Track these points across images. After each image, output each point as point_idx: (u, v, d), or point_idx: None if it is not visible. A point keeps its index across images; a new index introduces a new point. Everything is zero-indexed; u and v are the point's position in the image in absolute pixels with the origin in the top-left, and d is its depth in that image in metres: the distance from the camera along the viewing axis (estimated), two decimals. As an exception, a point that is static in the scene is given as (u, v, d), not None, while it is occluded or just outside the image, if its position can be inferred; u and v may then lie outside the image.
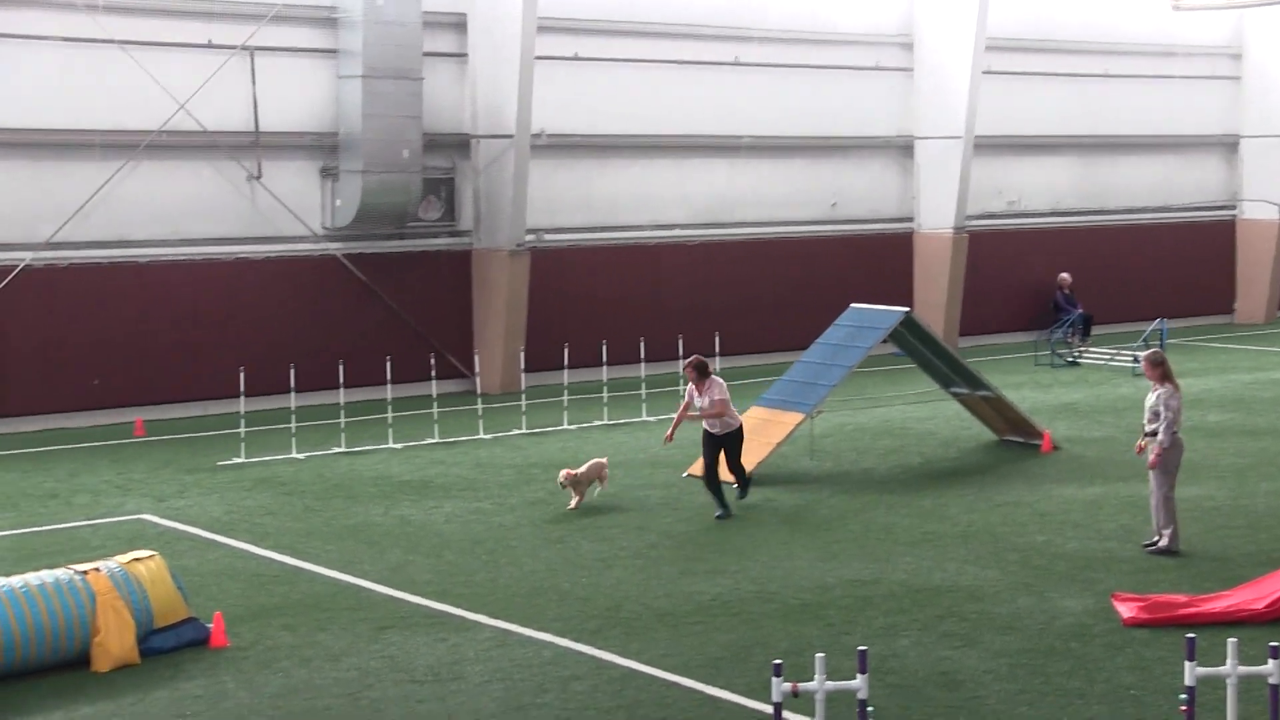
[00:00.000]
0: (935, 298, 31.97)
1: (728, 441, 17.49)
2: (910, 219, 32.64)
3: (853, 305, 21.63)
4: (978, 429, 22.03)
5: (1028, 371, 28.93)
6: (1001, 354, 31.26)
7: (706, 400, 17.42)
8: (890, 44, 32.09)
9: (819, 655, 9.10)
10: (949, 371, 21.53)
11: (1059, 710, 11.12)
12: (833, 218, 31.74)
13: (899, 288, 31.41)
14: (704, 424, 17.55)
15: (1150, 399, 15.56)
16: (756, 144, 30.49)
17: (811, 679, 9.13)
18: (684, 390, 18.22)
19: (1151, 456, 15.40)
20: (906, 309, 21.05)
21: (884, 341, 21.14)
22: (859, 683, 8.97)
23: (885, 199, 32.48)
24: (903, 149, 32.48)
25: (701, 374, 17.45)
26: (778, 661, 9.26)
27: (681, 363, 24.83)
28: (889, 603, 13.89)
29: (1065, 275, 33.44)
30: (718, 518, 17.29)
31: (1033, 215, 34.41)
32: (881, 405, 25.07)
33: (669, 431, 17.98)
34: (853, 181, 32.00)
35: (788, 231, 31.05)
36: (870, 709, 8.99)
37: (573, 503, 17.85)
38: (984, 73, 31.84)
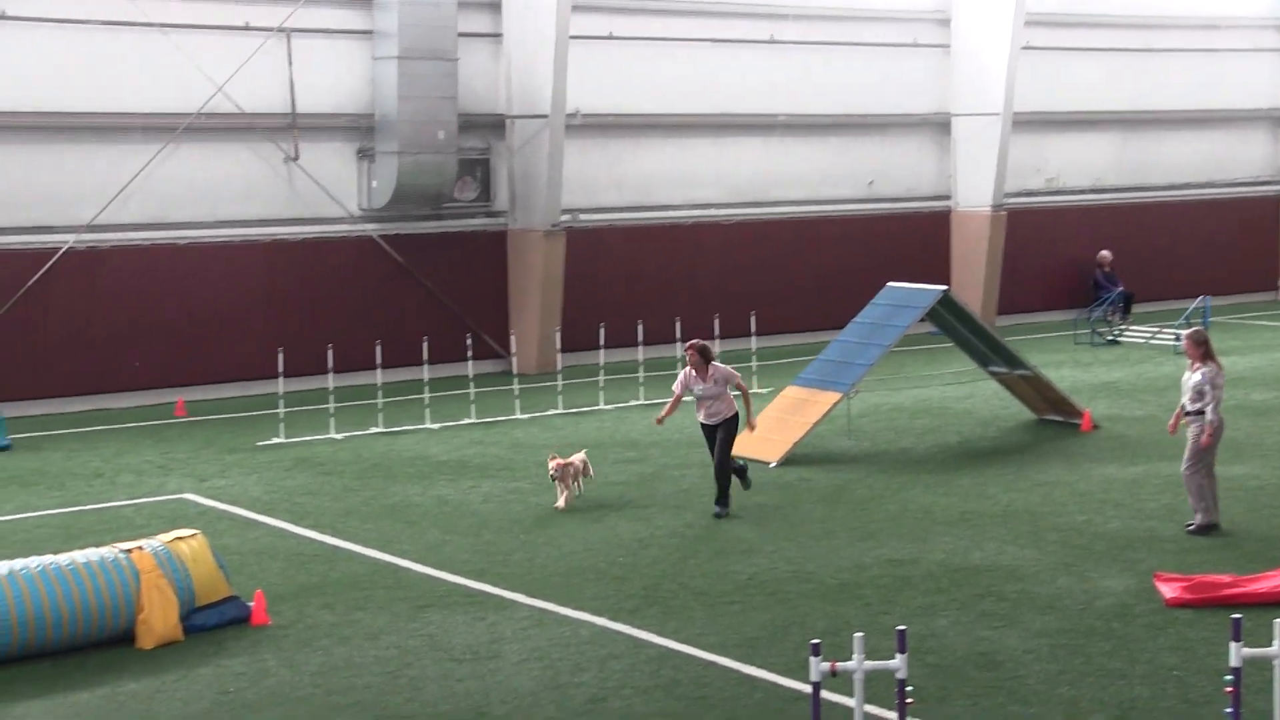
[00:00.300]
0: (973, 276, 31.86)
1: (727, 428, 16.63)
2: (947, 197, 32.53)
3: (890, 284, 21.57)
4: (1016, 408, 21.98)
5: (1067, 350, 28.83)
6: (1040, 333, 31.14)
7: (711, 385, 16.47)
8: (927, 20, 31.95)
9: (857, 635, 9.12)
10: (987, 350, 21.48)
11: (1100, 691, 11.11)
12: (869, 196, 31.66)
13: (936, 266, 31.33)
14: (700, 416, 16.69)
15: (1192, 378, 15.45)
16: (792, 122, 30.42)
17: (849, 658, 9.15)
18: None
19: (1204, 437, 15.27)
20: (944, 287, 21.01)
21: (921, 320, 21.12)
22: (898, 662, 8.98)
23: (922, 177, 32.37)
24: (940, 126, 32.35)
25: (705, 358, 16.52)
26: (816, 641, 9.27)
27: (717, 343, 24.99)
28: (927, 582, 13.89)
29: (1105, 253, 33.26)
30: (716, 516, 16.47)
31: (1072, 192, 34.23)
32: (919, 384, 25.03)
33: (661, 415, 17.04)
34: (890, 160, 31.89)
35: (824, 210, 30.98)
36: (909, 689, 9.00)
37: (561, 500, 16.94)
38: (1023, 48, 31.66)
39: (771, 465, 18.89)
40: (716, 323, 25.31)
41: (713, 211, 29.70)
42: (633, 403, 23.55)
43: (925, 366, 26.67)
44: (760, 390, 23.93)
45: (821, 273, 30.41)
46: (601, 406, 23.30)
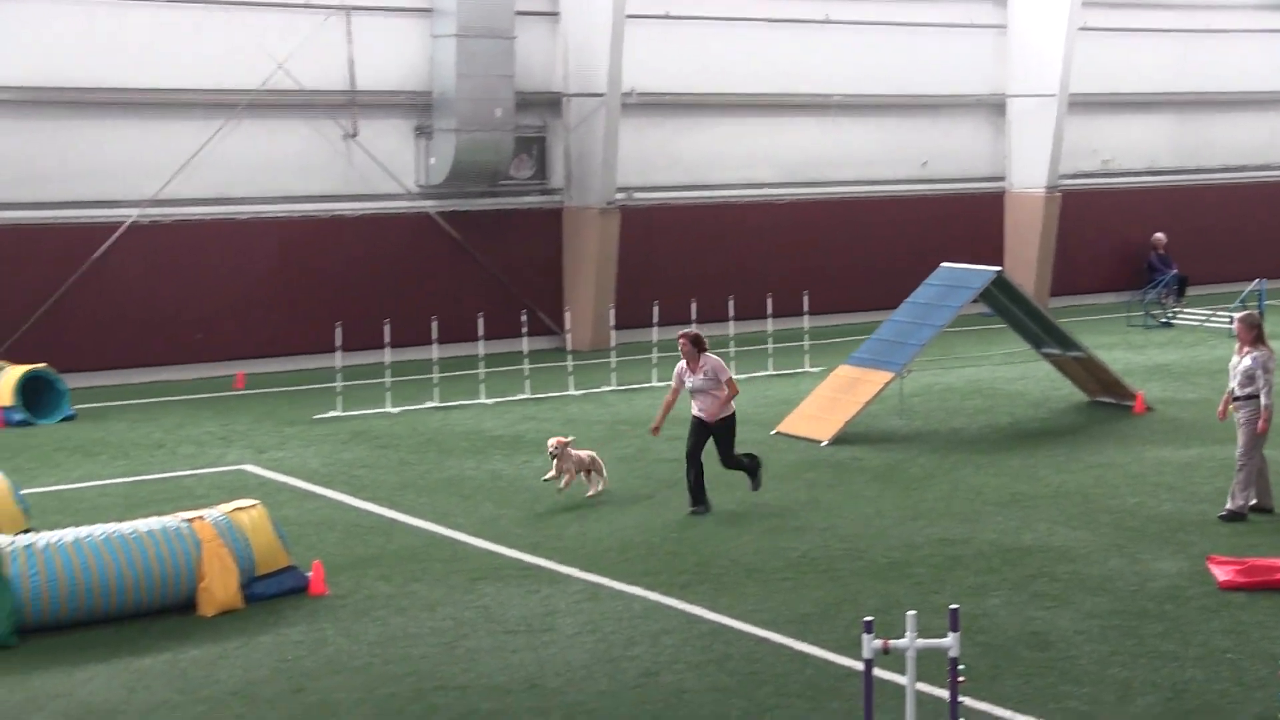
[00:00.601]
0: (1027, 257, 31.64)
1: (719, 430, 15.68)
2: (1002, 178, 32.31)
3: (943, 264, 21.45)
4: (1069, 390, 21.85)
5: (1120, 332, 28.61)
6: (1094, 315, 30.92)
7: (701, 378, 15.55)
8: (984, 0, 31.69)
9: (910, 613, 9.10)
10: (1040, 331, 21.36)
11: (1152, 672, 11.06)
12: (923, 177, 31.48)
13: (990, 247, 31.12)
14: (693, 409, 15.74)
15: (1242, 362, 15.24)
16: (847, 103, 30.27)
17: (901, 636, 9.13)
18: (681, 366, 15.82)
19: (1261, 423, 15.06)
20: (998, 268, 20.88)
21: (975, 301, 20.97)
22: (950, 641, 8.95)
23: (977, 158, 32.15)
24: (995, 108, 32.12)
25: (698, 347, 15.58)
26: (869, 618, 9.26)
27: (770, 322, 24.96)
28: (978, 562, 13.85)
29: (1160, 235, 32.94)
30: (691, 513, 15.60)
31: (1127, 175, 33.93)
32: (971, 365, 24.91)
33: (655, 424, 16.14)
34: (944, 140, 31.68)
35: (878, 191, 30.83)
36: (962, 667, 8.99)
37: (563, 481, 16.06)
38: (1080, 29, 31.37)
39: (823, 444, 18.86)
40: (769, 301, 25.23)
41: (766, 191, 29.62)
42: (686, 380, 23.52)
43: (978, 347, 26.54)
44: (812, 369, 23.92)
45: (874, 253, 30.27)
46: (654, 384, 23.29)
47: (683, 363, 15.72)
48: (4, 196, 22.94)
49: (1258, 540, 14.47)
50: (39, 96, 23.13)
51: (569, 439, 16.46)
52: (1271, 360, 15.20)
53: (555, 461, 16.18)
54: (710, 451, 15.88)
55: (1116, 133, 33.76)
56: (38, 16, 23.06)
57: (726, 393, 15.61)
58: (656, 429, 16.24)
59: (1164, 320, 29.79)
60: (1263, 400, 15.06)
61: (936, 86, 31.26)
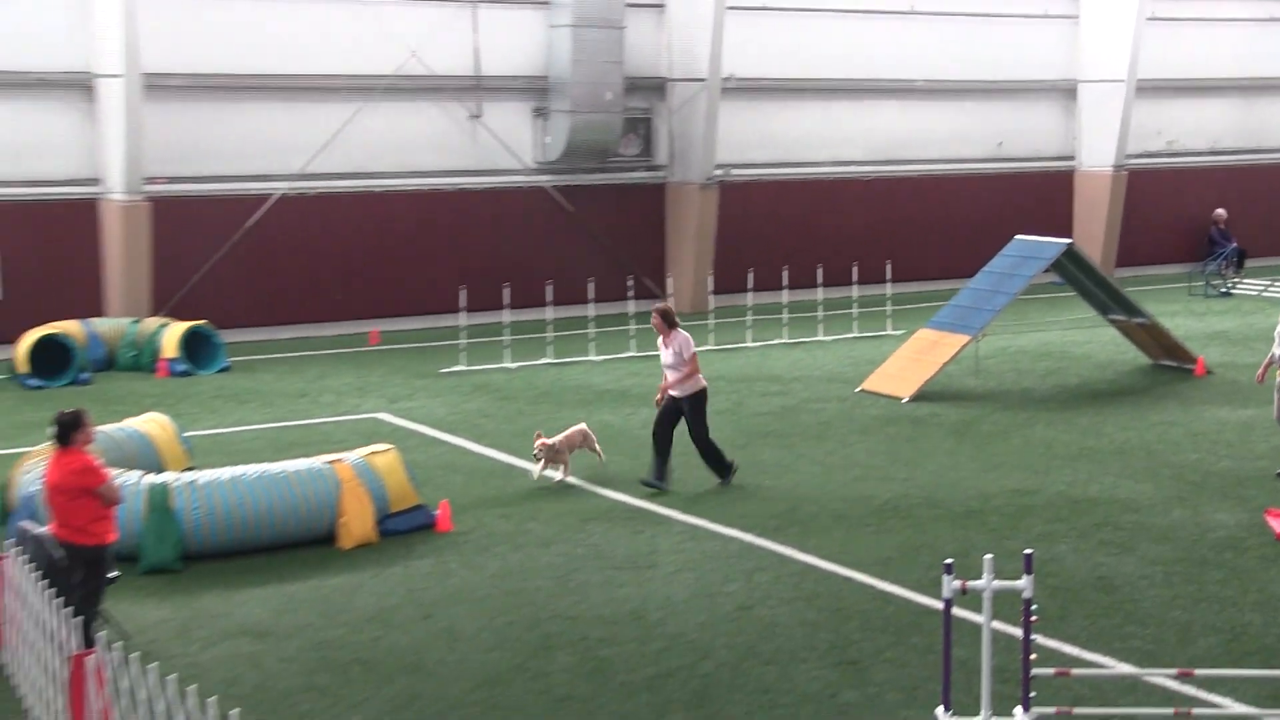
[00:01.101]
0: (1094, 231, 31.06)
1: (689, 405, 14.49)
2: (1072, 158, 31.69)
3: (1017, 237, 21.11)
4: (1133, 353, 21.44)
5: (1182, 301, 28.02)
6: (1157, 284, 30.28)
7: (670, 353, 14.45)
8: (1057, -7, 31.10)
9: (987, 556, 8.97)
10: (1107, 299, 20.95)
11: (1212, 615, 10.84)
12: (998, 156, 30.97)
13: (1060, 221, 30.56)
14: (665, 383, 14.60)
15: None
16: (928, 87, 29.83)
17: (978, 578, 9.00)
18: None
19: None
20: (1069, 240, 20.49)
21: (1046, 271, 20.62)
22: (1024, 583, 8.81)
23: (1048, 139, 31.56)
24: (1066, 92, 31.49)
25: (668, 323, 14.48)
26: (948, 561, 9.15)
27: (855, 288, 24.72)
28: (1048, 511, 13.64)
29: (1220, 211, 32.19)
30: (642, 482, 14.44)
31: (1190, 154, 33.13)
32: (1042, 329, 24.52)
33: (660, 395, 14.80)
34: (1018, 122, 31.13)
35: (956, 169, 30.39)
36: (1034, 607, 8.84)
37: (559, 473, 14.70)
38: (1148, 19, 30.66)
39: (904, 400, 18.66)
40: (855, 269, 25.00)
41: (853, 168, 29.29)
42: (776, 341, 23.39)
43: (1048, 313, 26.11)
44: (894, 332, 23.66)
45: (953, 226, 29.87)
46: (749, 344, 23.18)
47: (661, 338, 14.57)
48: (171, 171, 23.21)
49: (1311, 495, 14.13)
50: (202, 82, 23.36)
51: (553, 440, 14.78)
52: None
53: (542, 461, 14.73)
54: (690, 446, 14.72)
55: (1181, 115, 32.96)
56: (200, 12, 23.26)
57: (688, 368, 14.39)
58: (660, 400, 14.80)
59: (1223, 290, 29.12)
60: None
61: (1012, 73, 30.70)
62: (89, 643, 9.48)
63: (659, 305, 14.86)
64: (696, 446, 14.64)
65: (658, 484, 14.46)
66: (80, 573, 9.92)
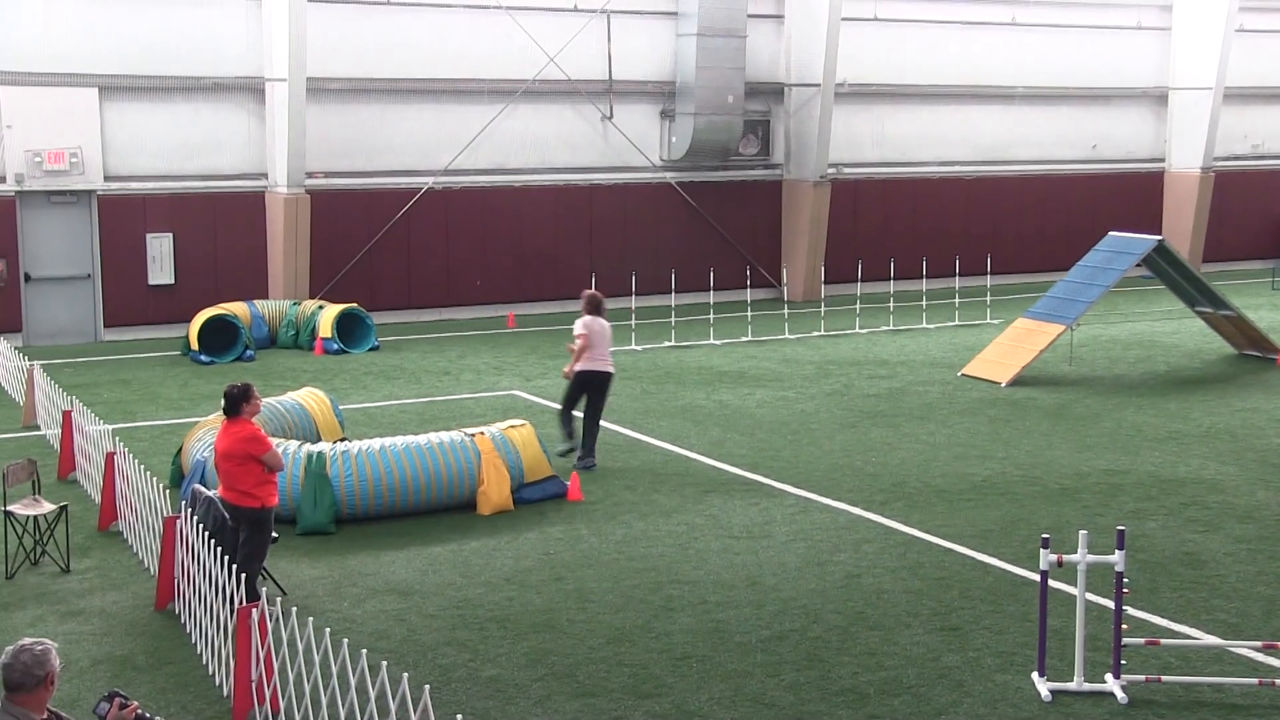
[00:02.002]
0: (1183, 228, 30.19)
1: (590, 382, 14.16)
2: (1162, 159, 30.83)
3: (1111, 233, 20.57)
4: (1219, 343, 20.79)
5: (1266, 295, 27.12)
6: (1242, 279, 29.39)
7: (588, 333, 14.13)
8: (1150, 6, 30.19)
9: (1082, 532, 8.71)
10: (1195, 292, 20.32)
11: (1297, 593, 10.44)
12: (1093, 158, 30.23)
13: (1150, 219, 29.82)
14: (581, 365, 14.17)
15: None
16: (1029, 93, 29.18)
17: (1073, 552, 8.75)
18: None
19: None
20: (1159, 237, 19.91)
21: (1137, 265, 20.05)
22: (1116, 558, 8.55)
23: (1140, 142, 30.73)
24: (1158, 99, 30.62)
25: (590, 310, 14.28)
26: (1045, 535, 8.90)
27: (956, 279, 24.29)
28: (1138, 490, 13.24)
29: (1304, 210, 31.17)
30: (559, 453, 14.12)
31: (1275, 157, 32.04)
32: (1133, 320, 23.88)
33: (567, 370, 14.42)
34: (1112, 126, 30.36)
35: (1054, 169, 29.72)
36: (1125, 580, 8.55)
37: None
38: (1236, 30, 29.69)
39: (1003, 385, 18.28)
40: (957, 262, 24.58)
41: (958, 168, 28.78)
42: (884, 328, 23.07)
43: (1139, 305, 25.43)
44: (993, 321, 23.22)
45: (1050, 222, 29.25)
46: (857, 330, 22.88)
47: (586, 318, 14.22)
48: (330, 166, 23.50)
49: (1396, 481, 13.55)
50: (359, 86, 23.60)
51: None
52: None
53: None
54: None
55: (1266, 121, 31.89)
56: (358, 23, 23.49)
57: (574, 345, 14.14)
58: (568, 373, 14.36)
59: (1308, 285, 28.17)
60: None
61: (1107, 80, 29.95)
62: (253, 597, 9.61)
63: (589, 291, 14.69)
64: (585, 422, 14.27)
65: (570, 450, 14.27)
66: (245, 532, 10.04)
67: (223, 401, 10.25)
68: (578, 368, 14.20)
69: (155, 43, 22.14)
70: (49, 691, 5.42)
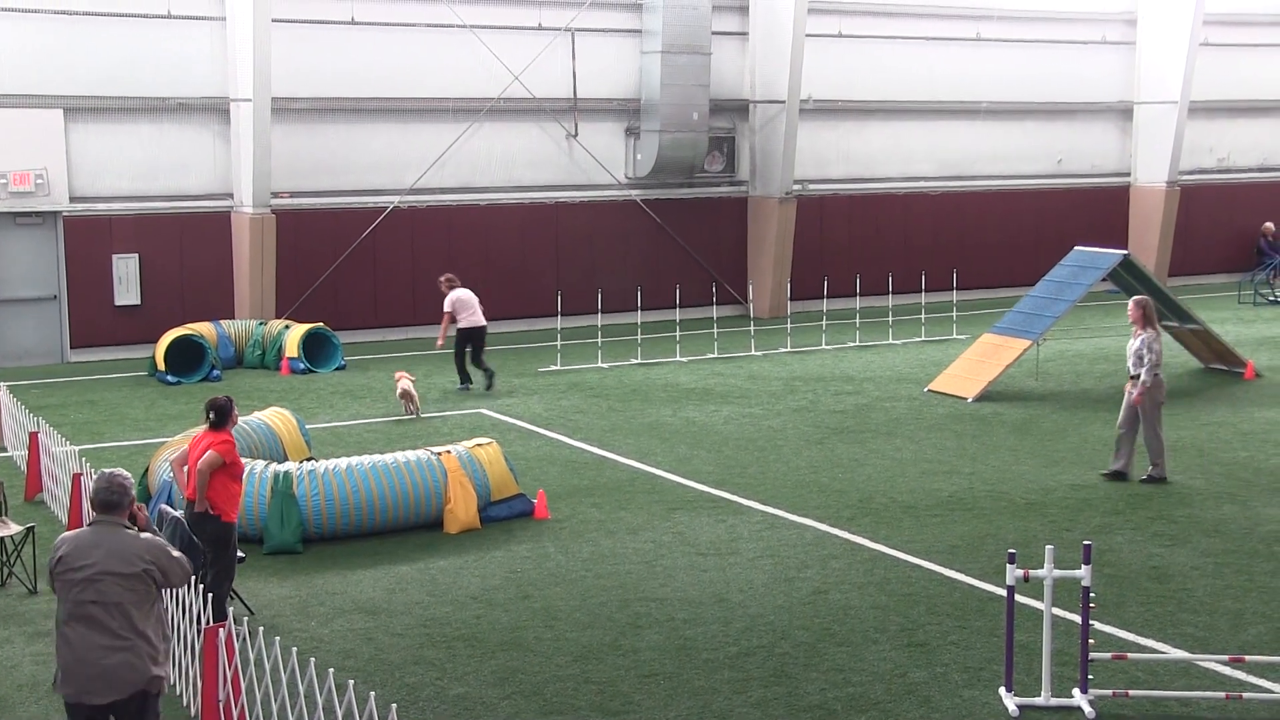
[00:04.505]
0: (1149, 242, 30.49)
1: (471, 336, 19.31)
2: (1127, 174, 31.14)
3: (1076, 247, 20.78)
4: (1185, 357, 21.01)
5: (1232, 309, 27.42)
6: (1208, 293, 29.70)
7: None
8: (1115, 20, 30.52)
9: (1049, 546, 8.81)
10: (1161, 306, 20.47)
11: (1262, 605, 10.56)
12: (1058, 172, 30.51)
13: (1116, 233, 30.09)
14: (460, 322, 19.28)
15: (1133, 344, 14.14)
16: (994, 108, 29.45)
17: (1040, 567, 8.85)
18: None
19: (1135, 395, 14.03)
20: (1125, 252, 20.12)
21: (1103, 280, 20.24)
22: (1083, 572, 8.65)
23: (1105, 156, 31.03)
24: (1123, 113, 30.95)
25: (449, 286, 19.40)
26: (1012, 550, 9.00)
27: (923, 295, 24.46)
28: (1105, 505, 13.38)
29: (1269, 224, 31.50)
30: (459, 390, 19.24)
31: (1241, 171, 32.43)
32: (1099, 335, 24.10)
33: (439, 340, 19.60)
34: (1077, 141, 30.65)
35: (1019, 184, 29.98)
36: (1092, 595, 8.66)
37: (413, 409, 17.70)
38: (1201, 44, 30.06)
39: (969, 400, 18.42)
40: (923, 277, 24.75)
41: (923, 183, 28.99)
42: (850, 344, 23.21)
43: (1105, 319, 25.66)
44: (959, 336, 23.39)
45: (1016, 237, 29.49)
46: (824, 346, 23.01)
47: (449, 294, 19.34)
48: (295, 186, 23.49)
49: (1358, 493, 13.72)
50: (323, 105, 23.61)
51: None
52: (1156, 342, 14.01)
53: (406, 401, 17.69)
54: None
55: (1231, 134, 32.28)
56: (323, 42, 23.50)
57: (448, 314, 19.16)
58: (440, 343, 19.68)
59: (1271, 299, 28.45)
60: (1143, 376, 13.99)
61: (1072, 94, 30.25)
62: (221, 616, 9.60)
63: (447, 274, 19.75)
64: (475, 365, 19.38)
65: (467, 387, 19.40)
66: (210, 552, 10.03)
67: (211, 414, 10.28)
68: (461, 326, 19.25)
69: (120, 63, 22.11)
70: (127, 515, 6.96)
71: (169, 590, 9.10)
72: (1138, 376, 14.09)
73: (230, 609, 10.15)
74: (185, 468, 10.43)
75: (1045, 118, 30.21)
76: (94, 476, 7.32)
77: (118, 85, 22.11)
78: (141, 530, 7.06)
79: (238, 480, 10.34)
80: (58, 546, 6.99)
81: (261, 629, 8.42)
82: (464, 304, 19.29)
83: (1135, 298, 14.41)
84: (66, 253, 22.07)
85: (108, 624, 6.75)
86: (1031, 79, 29.73)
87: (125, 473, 7.09)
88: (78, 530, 7.07)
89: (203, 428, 10.48)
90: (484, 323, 19.48)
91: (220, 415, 10.29)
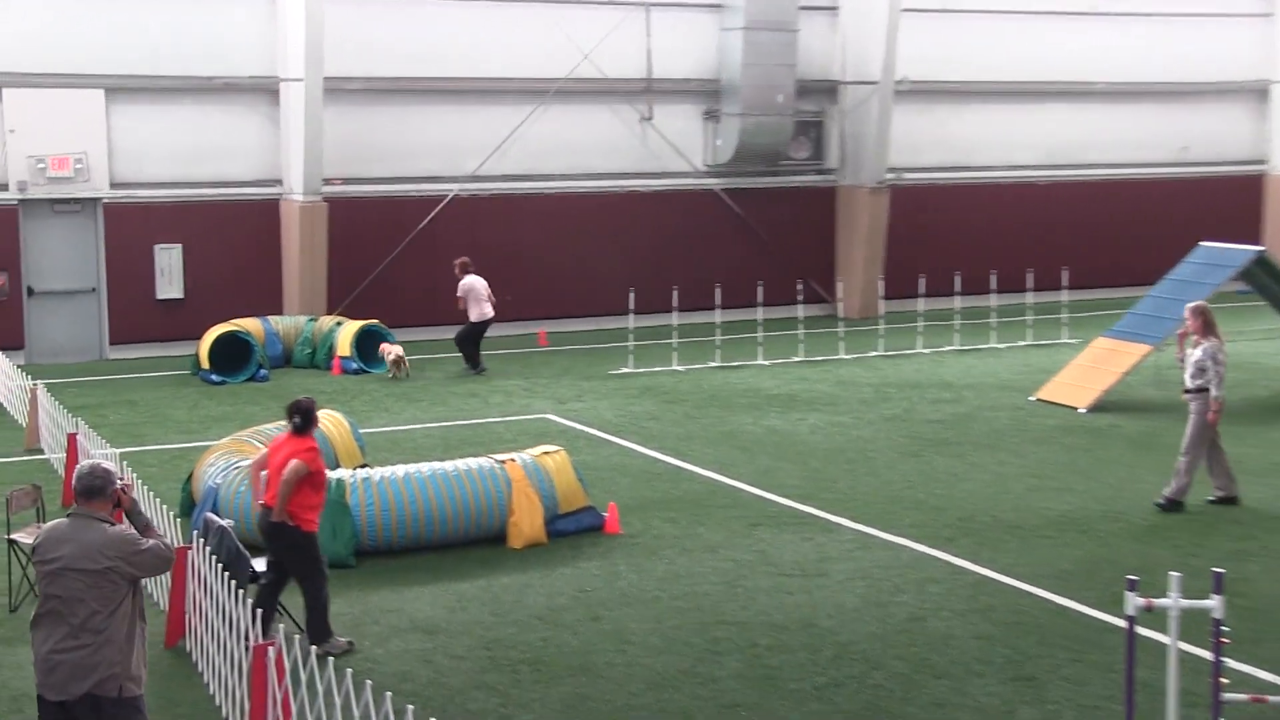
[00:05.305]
0: (1288, 238, 29.98)
1: (478, 328, 20.98)
2: (1262, 161, 30.64)
3: (1202, 243, 20.46)
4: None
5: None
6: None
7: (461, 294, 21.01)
8: (1248, -10, 30.12)
9: (1174, 574, 8.65)
10: (1309, 311, 20.15)
11: None
12: (1183, 161, 30.08)
13: (1248, 228, 29.60)
14: (471, 315, 20.84)
15: (1193, 354, 13.85)
16: (1109, 89, 29.11)
17: (1164, 596, 8.68)
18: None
19: (1211, 415, 13.69)
20: (1261, 248, 19.80)
21: (1234, 279, 19.92)
22: (1214, 602, 8.47)
23: (1237, 142, 30.56)
24: (1257, 93, 30.45)
25: (464, 271, 20.98)
26: (1132, 577, 8.85)
27: (1029, 295, 24.24)
28: (1236, 529, 13.15)
29: None
30: (478, 371, 20.98)
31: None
32: (1229, 340, 23.49)
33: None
34: (1203, 125, 30.22)
35: (1137, 173, 29.61)
36: (1225, 628, 8.49)
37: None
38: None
39: (1081, 411, 18.20)
40: (1030, 276, 24.49)
41: (1029, 172, 28.73)
42: (947, 347, 23.03)
43: (1235, 323, 25.03)
44: (1070, 340, 23.14)
45: (1133, 231, 29.12)
46: (919, 350, 22.85)
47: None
48: (348, 172, 23.70)
49: None
50: (378, 86, 23.82)
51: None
52: (1220, 352, 13.79)
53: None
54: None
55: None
56: (378, 17, 23.71)
57: (458, 304, 20.97)
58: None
59: None
60: (1213, 391, 13.72)
61: (1198, 73, 29.80)
62: (324, 636, 9.82)
63: (461, 258, 21.27)
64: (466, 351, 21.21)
65: (472, 368, 21.12)
66: (295, 567, 10.20)
67: (296, 417, 10.40)
68: (473, 318, 21.00)
69: (164, 41, 22.44)
70: (110, 505, 7.22)
71: (217, 601, 9.19)
72: (1193, 390, 13.79)
73: (280, 625, 10.22)
74: (263, 472, 10.53)
75: (1168, 99, 29.81)
76: (123, 478, 7.57)
77: (161, 64, 22.44)
78: (126, 513, 7.31)
79: (320, 490, 10.44)
80: (38, 536, 7.37)
81: (313, 648, 8.48)
82: (475, 295, 20.89)
83: (1192, 304, 14.21)
84: (106, 242, 22.44)
85: (68, 620, 7.06)
86: (1153, 56, 29.35)
87: (109, 465, 7.39)
88: (57, 521, 7.41)
89: (284, 432, 10.61)
90: (491, 315, 21.12)
91: (305, 419, 10.41)
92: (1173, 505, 13.73)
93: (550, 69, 24.65)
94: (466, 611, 11.11)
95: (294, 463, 10.16)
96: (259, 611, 8.63)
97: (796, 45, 25.63)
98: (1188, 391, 13.89)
